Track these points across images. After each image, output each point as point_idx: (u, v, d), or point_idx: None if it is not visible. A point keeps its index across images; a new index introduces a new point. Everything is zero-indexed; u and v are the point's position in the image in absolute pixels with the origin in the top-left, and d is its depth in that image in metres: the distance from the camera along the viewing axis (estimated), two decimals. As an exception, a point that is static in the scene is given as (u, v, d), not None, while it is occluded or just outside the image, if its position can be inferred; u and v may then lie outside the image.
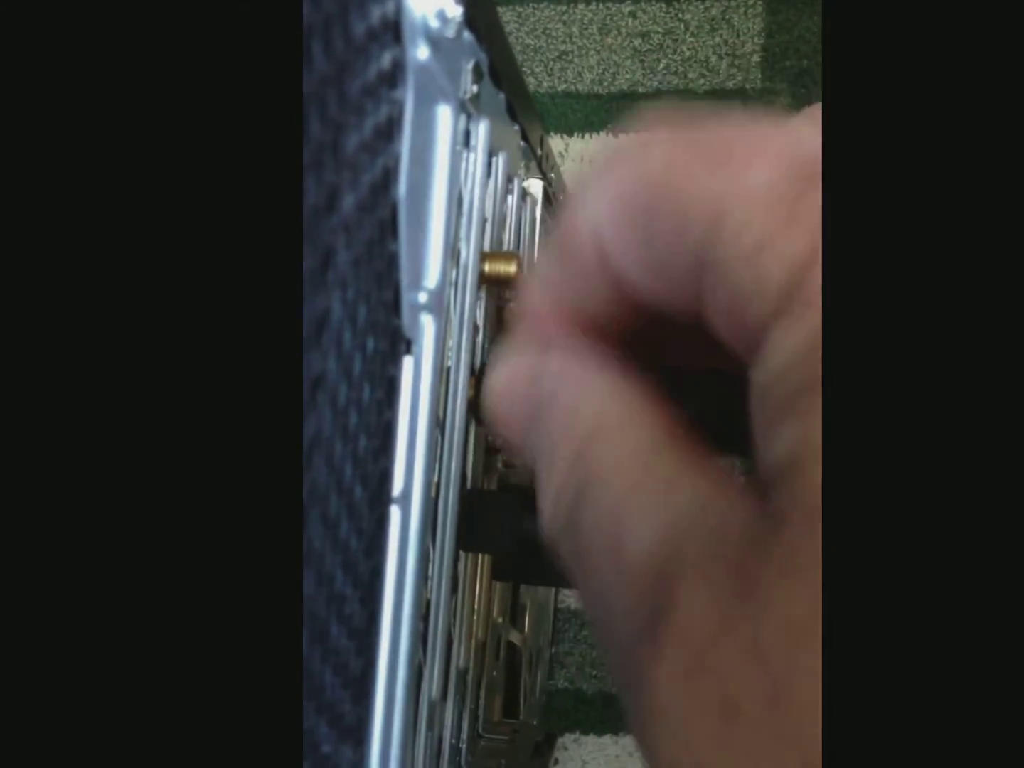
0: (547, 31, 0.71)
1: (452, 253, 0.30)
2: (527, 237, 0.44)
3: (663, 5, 0.70)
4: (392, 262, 0.26)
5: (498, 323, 0.39)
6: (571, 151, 0.70)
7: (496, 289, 0.38)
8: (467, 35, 0.29)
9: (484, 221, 0.35)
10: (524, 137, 0.41)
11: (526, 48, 0.71)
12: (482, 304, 0.37)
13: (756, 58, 0.69)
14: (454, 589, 0.35)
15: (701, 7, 0.70)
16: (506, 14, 0.71)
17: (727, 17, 0.70)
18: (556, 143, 0.70)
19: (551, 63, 0.71)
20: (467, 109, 0.31)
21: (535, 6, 0.71)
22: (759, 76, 0.69)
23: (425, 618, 0.31)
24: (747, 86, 0.69)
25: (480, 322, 0.37)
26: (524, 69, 0.71)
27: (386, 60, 0.24)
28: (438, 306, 0.28)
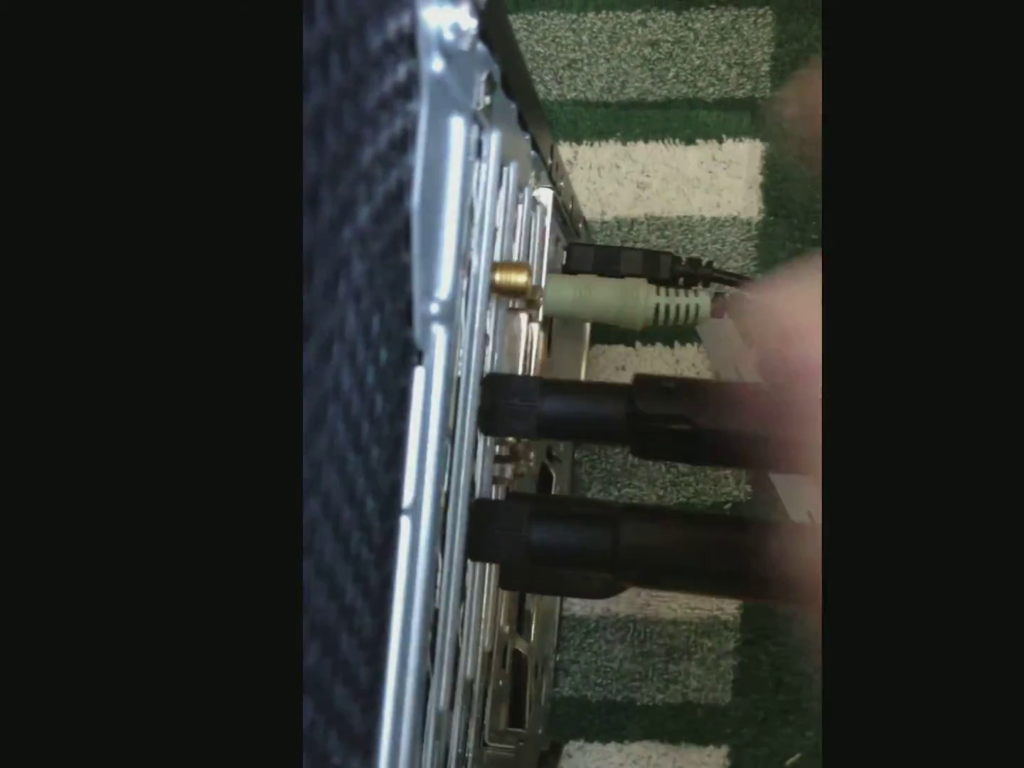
0: (557, 39, 0.71)
1: (464, 263, 0.30)
2: (536, 247, 0.44)
3: (673, 14, 0.70)
4: (405, 273, 0.26)
5: (507, 333, 0.39)
6: (580, 159, 0.69)
7: (506, 299, 0.38)
8: (481, 47, 0.29)
9: (495, 231, 0.35)
10: (535, 146, 0.41)
11: (536, 56, 0.71)
12: (492, 314, 0.37)
13: (766, 67, 0.69)
14: (462, 599, 0.35)
15: (711, 16, 0.70)
16: (516, 22, 0.71)
17: (737, 26, 0.70)
18: (565, 151, 0.70)
19: (561, 71, 0.71)
20: (480, 120, 0.31)
21: (545, 14, 0.71)
22: (769, 85, 0.69)
23: (433, 628, 0.31)
24: (756, 95, 0.69)
25: (490, 332, 0.37)
26: (534, 77, 0.71)
27: (401, 73, 0.24)
28: (450, 317, 0.28)
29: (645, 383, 0.34)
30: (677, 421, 0.33)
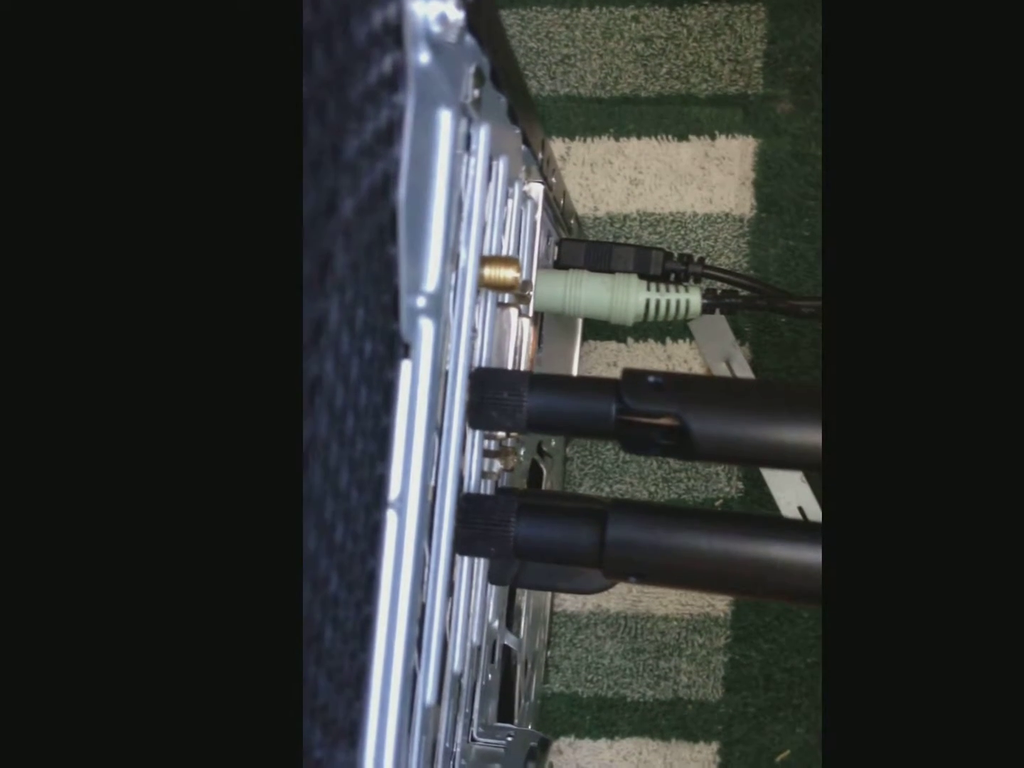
0: (550, 34, 0.71)
1: (451, 257, 0.30)
2: (527, 241, 0.44)
3: (666, 10, 0.70)
4: (391, 266, 0.26)
5: (497, 327, 0.39)
6: (573, 154, 0.69)
7: (495, 293, 0.38)
8: (469, 39, 0.29)
9: (484, 225, 0.35)
10: (525, 141, 0.41)
11: (529, 51, 0.71)
12: (481, 308, 0.37)
13: (758, 64, 0.69)
14: (450, 593, 0.35)
15: (704, 12, 0.70)
16: (509, 17, 0.71)
17: (730, 23, 0.69)
18: (558, 147, 0.70)
19: (553, 67, 0.71)
20: (468, 113, 0.31)
21: (538, 9, 0.71)
22: (761, 82, 0.69)
23: (420, 622, 0.31)
24: (749, 92, 0.69)
25: (479, 326, 0.37)
26: (526, 72, 0.71)
27: (387, 64, 0.23)
28: (437, 310, 0.28)
29: (633, 378, 0.34)
30: (665, 416, 0.33)
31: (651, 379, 0.33)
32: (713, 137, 0.69)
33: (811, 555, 0.32)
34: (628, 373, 0.34)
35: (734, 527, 0.33)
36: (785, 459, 0.33)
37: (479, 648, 0.41)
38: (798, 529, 0.33)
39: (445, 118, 0.28)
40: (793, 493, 0.64)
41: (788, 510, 0.64)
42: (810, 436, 0.32)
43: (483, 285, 0.35)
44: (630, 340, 0.68)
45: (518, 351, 0.40)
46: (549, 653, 0.66)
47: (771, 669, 0.65)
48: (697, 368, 0.68)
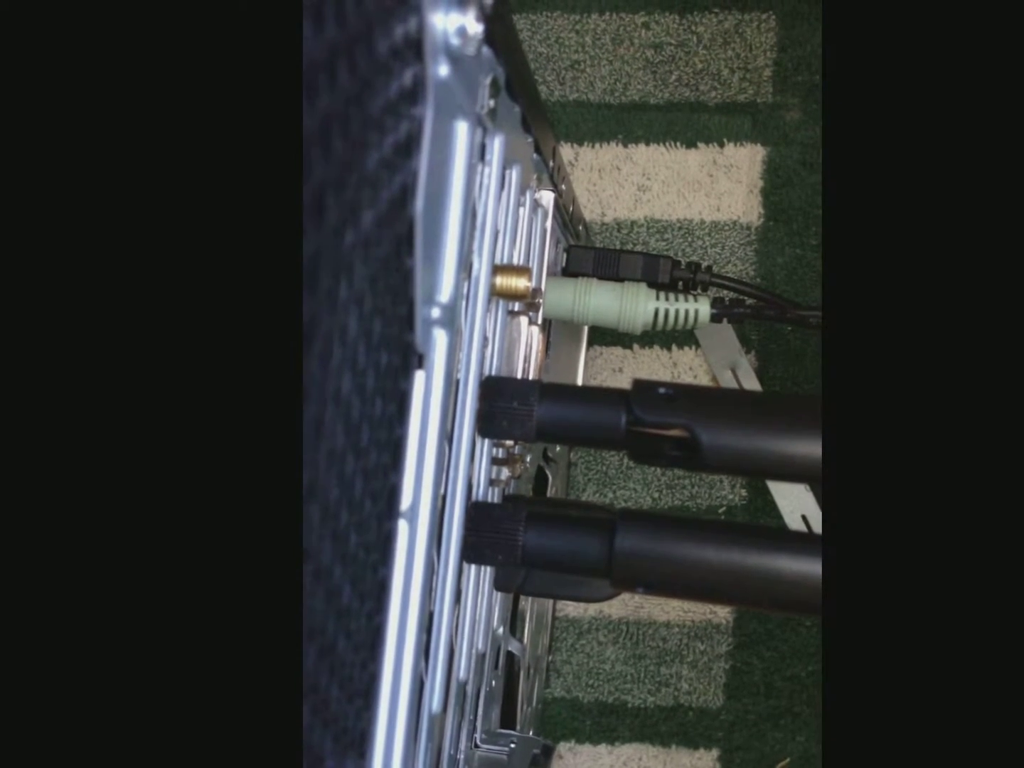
0: (560, 40, 0.71)
1: (465, 267, 0.30)
2: (537, 249, 0.44)
3: (676, 17, 0.70)
4: (407, 277, 0.26)
5: (507, 335, 0.39)
6: (581, 160, 0.69)
7: (506, 302, 0.38)
8: (486, 51, 0.29)
9: (497, 234, 0.35)
10: (537, 149, 0.41)
11: (538, 56, 0.71)
12: (492, 317, 0.37)
13: (768, 72, 0.69)
14: (457, 600, 0.35)
15: (714, 20, 0.70)
16: (519, 22, 0.71)
17: (740, 31, 0.70)
18: (566, 152, 0.70)
19: (563, 72, 0.71)
20: (484, 123, 0.31)
21: (548, 15, 0.71)
22: (771, 90, 0.69)
23: (428, 630, 0.31)
24: (758, 100, 0.69)
25: (490, 335, 0.37)
26: (536, 78, 0.71)
27: (407, 77, 0.24)
28: (451, 320, 0.28)
29: (644, 389, 0.34)
30: (675, 427, 0.33)
31: (661, 390, 0.33)
32: (722, 145, 0.69)
33: (819, 568, 0.32)
34: (638, 384, 0.34)
35: (743, 539, 0.33)
36: (795, 472, 0.33)
37: (484, 655, 0.41)
38: (809, 542, 0.33)
39: (462, 129, 0.28)
40: (797, 502, 0.64)
41: (792, 519, 0.64)
42: (819, 450, 0.32)
43: (495, 294, 0.35)
44: (636, 346, 0.68)
45: (527, 359, 0.40)
46: (551, 658, 0.66)
47: (772, 677, 0.65)
48: (703, 375, 0.68)
